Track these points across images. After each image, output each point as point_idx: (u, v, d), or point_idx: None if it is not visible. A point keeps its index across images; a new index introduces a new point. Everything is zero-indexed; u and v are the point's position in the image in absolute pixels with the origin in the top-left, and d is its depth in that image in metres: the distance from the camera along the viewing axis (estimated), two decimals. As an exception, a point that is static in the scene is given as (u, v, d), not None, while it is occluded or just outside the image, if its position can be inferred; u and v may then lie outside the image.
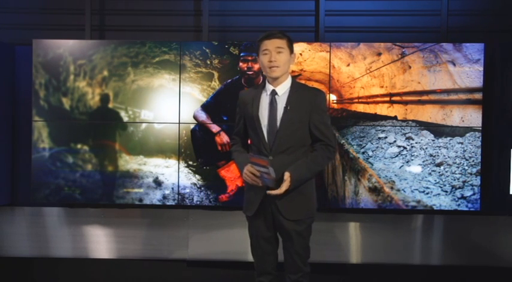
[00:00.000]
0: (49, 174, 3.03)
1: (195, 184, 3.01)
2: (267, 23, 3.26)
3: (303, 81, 2.94)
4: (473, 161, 2.90)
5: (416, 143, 2.92)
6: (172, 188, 3.01)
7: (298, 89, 2.16)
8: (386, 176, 2.93)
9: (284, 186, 2.03)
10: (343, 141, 2.96)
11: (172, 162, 3.01)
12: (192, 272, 3.25)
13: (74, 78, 3.02)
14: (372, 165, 2.94)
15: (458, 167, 2.91)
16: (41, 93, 3.02)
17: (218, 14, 3.29)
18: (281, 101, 2.13)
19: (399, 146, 2.94)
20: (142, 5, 3.31)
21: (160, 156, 3.01)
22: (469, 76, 2.90)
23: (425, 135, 2.92)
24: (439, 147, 2.91)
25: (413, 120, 2.93)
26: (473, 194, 2.89)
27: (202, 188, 3.01)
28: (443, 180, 2.91)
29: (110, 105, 3.02)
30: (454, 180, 2.90)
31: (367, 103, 2.96)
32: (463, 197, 2.90)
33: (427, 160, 2.92)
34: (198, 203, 3.01)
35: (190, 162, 3.01)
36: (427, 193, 2.91)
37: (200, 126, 3.01)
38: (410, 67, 2.93)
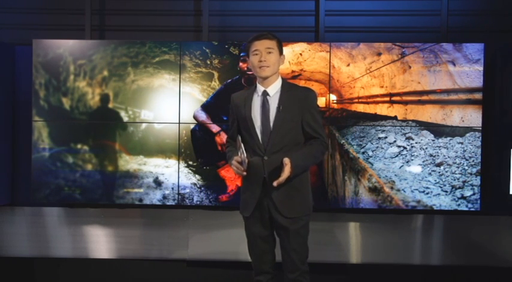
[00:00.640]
0: (49, 174, 3.03)
1: (195, 184, 3.01)
2: (267, 23, 3.26)
3: (303, 82, 2.94)
4: (473, 161, 2.90)
5: (416, 143, 2.92)
6: (172, 188, 3.01)
7: (289, 89, 2.19)
8: (386, 176, 2.93)
9: (286, 172, 2.03)
10: (343, 141, 2.96)
11: (172, 162, 3.01)
12: (192, 272, 3.25)
13: (74, 78, 3.02)
14: (372, 165, 2.94)
15: (458, 167, 2.91)
16: (41, 93, 3.02)
17: (218, 14, 3.29)
18: (273, 101, 2.16)
19: (399, 146, 2.94)
20: (142, 5, 3.31)
21: (160, 156, 3.01)
22: (469, 76, 2.90)
23: (425, 135, 2.92)
24: (439, 147, 2.91)
25: (413, 120, 2.93)
26: (473, 194, 2.89)
27: (202, 188, 3.01)
28: (443, 180, 2.91)
29: (110, 105, 3.02)
30: (454, 180, 2.90)
31: (367, 103, 2.96)
32: (463, 197, 2.90)
33: (427, 160, 2.92)
34: (198, 203, 3.01)
35: (190, 162, 3.01)
36: (427, 193, 2.91)
37: (200, 126, 3.01)
38: (410, 67, 2.93)
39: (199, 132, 3.01)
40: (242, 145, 2.07)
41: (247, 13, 3.29)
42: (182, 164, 3.01)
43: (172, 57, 3.00)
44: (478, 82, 2.90)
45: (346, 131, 2.96)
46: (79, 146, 3.03)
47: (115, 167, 3.02)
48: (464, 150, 2.91)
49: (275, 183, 2.05)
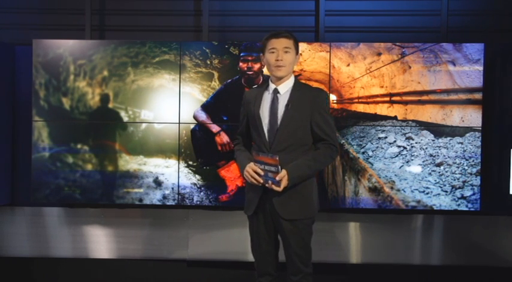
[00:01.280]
0: (49, 174, 3.03)
1: (195, 184, 3.01)
2: (267, 23, 3.26)
3: (302, 81, 2.94)
4: (473, 161, 2.90)
5: (416, 143, 2.92)
6: (172, 188, 3.01)
7: (300, 88, 2.17)
8: (386, 176, 2.93)
9: (282, 184, 2.03)
10: (343, 141, 2.96)
11: (172, 162, 3.01)
12: (192, 272, 3.25)
13: (74, 78, 3.02)
14: (372, 165, 2.94)
15: (458, 167, 2.91)
16: (41, 93, 3.02)
17: (218, 14, 3.29)
18: (283, 99, 2.14)
19: (399, 146, 2.94)
20: (142, 5, 3.31)
21: (160, 156, 3.01)
22: (469, 76, 2.90)
23: (425, 135, 2.92)
24: (439, 147, 2.91)
25: (413, 120, 2.93)
26: (473, 194, 2.89)
27: (202, 188, 3.01)
28: (443, 180, 2.91)
29: (110, 105, 3.02)
30: (454, 180, 2.90)
31: (367, 103, 2.96)
32: (463, 197, 2.90)
33: (427, 160, 2.92)
34: (198, 203, 3.01)
35: (190, 162, 3.01)
36: (427, 193, 2.91)
37: (200, 126, 3.01)
38: (410, 67, 2.93)
39: (199, 132, 3.01)
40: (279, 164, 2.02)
41: (247, 13, 3.29)
42: (182, 164, 3.01)
43: (172, 57, 3.00)
44: (478, 82, 2.90)
45: (346, 131, 2.96)
46: (79, 146, 3.03)
47: (115, 167, 3.02)
48: (464, 150, 2.91)
49: (272, 188, 2.04)
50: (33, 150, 3.02)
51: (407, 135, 2.93)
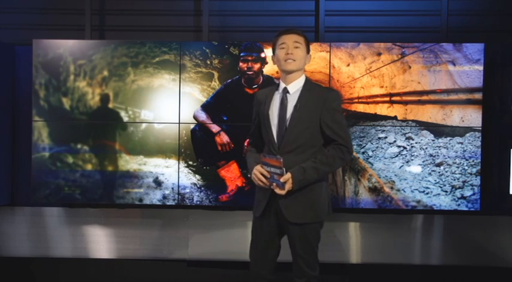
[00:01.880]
0: (49, 174, 3.03)
1: (195, 184, 3.01)
2: (267, 23, 3.26)
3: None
4: (473, 161, 2.90)
5: (416, 143, 2.92)
6: (172, 188, 3.01)
7: (310, 88, 2.12)
8: (386, 176, 2.93)
9: (286, 187, 2.00)
10: (343, 141, 2.95)
11: (172, 162, 3.01)
12: (192, 272, 3.25)
13: (74, 78, 3.02)
14: (372, 165, 2.94)
15: (458, 167, 2.91)
16: (41, 93, 3.02)
17: (218, 14, 3.29)
18: (292, 99, 2.10)
19: (399, 146, 2.94)
20: (142, 5, 3.31)
21: (160, 156, 3.01)
22: (469, 76, 2.90)
23: (425, 135, 2.92)
24: (439, 147, 2.92)
25: (413, 120, 2.93)
26: (473, 194, 2.89)
27: (202, 188, 3.01)
28: (443, 180, 2.91)
29: (110, 105, 3.02)
30: (454, 180, 2.90)
31: (367, 103, 2.96)
32: (463, 197, 2.90)
33: (427, 160, 2.92)
34: (198, 203, 3.01)
35: (190, 162, 3.01)
36: (427, 193, 2.91)
37: (200, 126, 3.01)
38: (410, 67, 2.93)
39: (199, 132, 3.01)
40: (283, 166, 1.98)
41: (247, 13, 3.29)
42: (182, 164, 3.01)
43: (172, 57, 3.00)
44: (478, 82, 2.90)
45: (346, 131, 2.96)
46: (79, 146, 3.03)
47: (115, 167, 3.02)
48: (464, 150, 2.91)
49: (276, 191, 2.01)
50: (33, 150, 3.02)
51: (407, 135, 2.93)
